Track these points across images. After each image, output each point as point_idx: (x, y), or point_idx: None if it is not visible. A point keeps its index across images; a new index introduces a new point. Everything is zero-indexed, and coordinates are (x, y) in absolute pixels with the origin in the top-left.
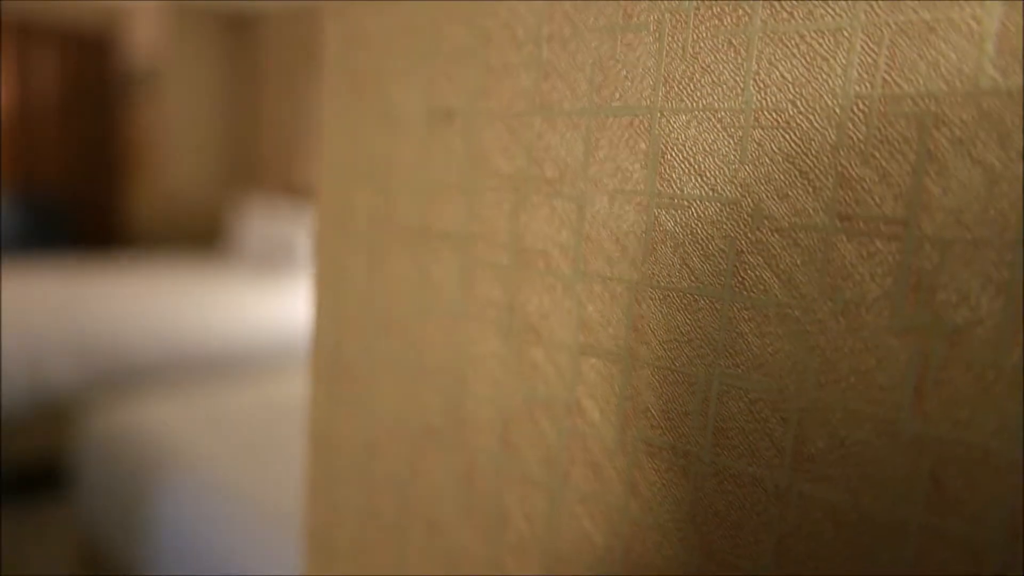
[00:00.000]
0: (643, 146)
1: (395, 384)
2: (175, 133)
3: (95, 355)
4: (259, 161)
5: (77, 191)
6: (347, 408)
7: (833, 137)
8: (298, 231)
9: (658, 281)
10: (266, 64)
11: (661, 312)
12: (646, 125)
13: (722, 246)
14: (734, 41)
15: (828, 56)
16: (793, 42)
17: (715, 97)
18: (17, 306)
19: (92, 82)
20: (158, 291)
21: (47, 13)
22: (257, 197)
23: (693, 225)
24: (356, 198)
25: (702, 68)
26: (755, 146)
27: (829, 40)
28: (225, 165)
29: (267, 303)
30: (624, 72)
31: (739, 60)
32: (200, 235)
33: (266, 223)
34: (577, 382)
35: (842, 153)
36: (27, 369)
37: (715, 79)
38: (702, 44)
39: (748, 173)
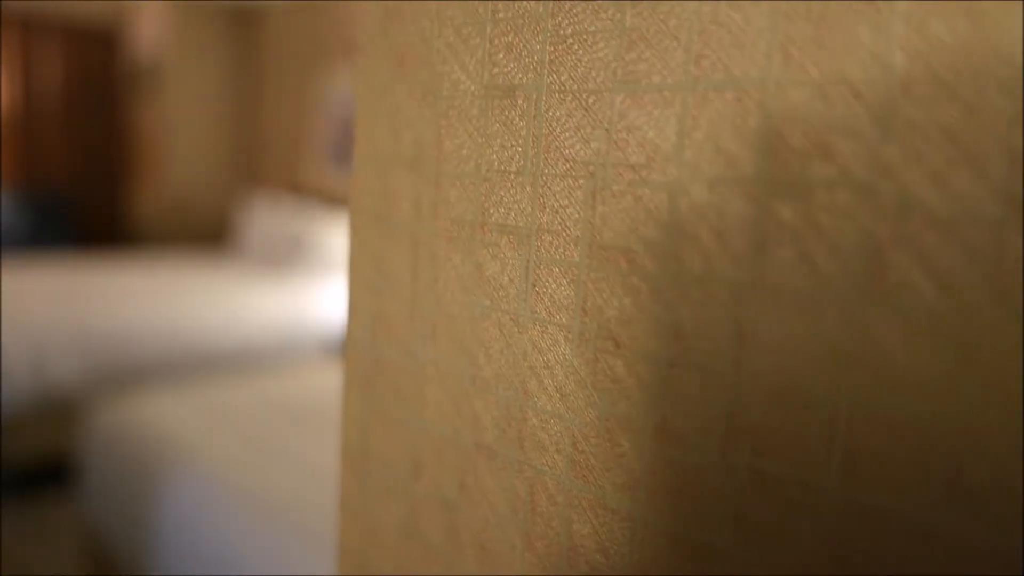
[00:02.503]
0: (753, 124)
1: (443, 394)
2: (179, 130)
3: (99, 352)
4: (264, 158)
5: (81, 188)
6: (386, 420)
7: (1009, 109)
8: (303, 228)
9: (770, 282)
10: (271, 60)
11: (773, 318)
12: (757, 100)
13: (857, 241)
14: None
15: (1001, 15)
16: None
17: (848, 64)
18: (21, 303)
19: (96, 78)
20: (162, 288)
21: (50, 8)
22: (262, 194)
23: (817, 216)
24: (398, 187)
25: (829, 29)
26: (902, 121)
27: None
28: (230, 162)
29: (272, 300)
30: (730, 38)
31: (880, 19)
32: (205, 232)
33: (271, 220)
34: (665, 397)
35: (1019, 130)
36: (31, 366)
37: (847, 43)
38: (831, 1)
39: (893, 153)
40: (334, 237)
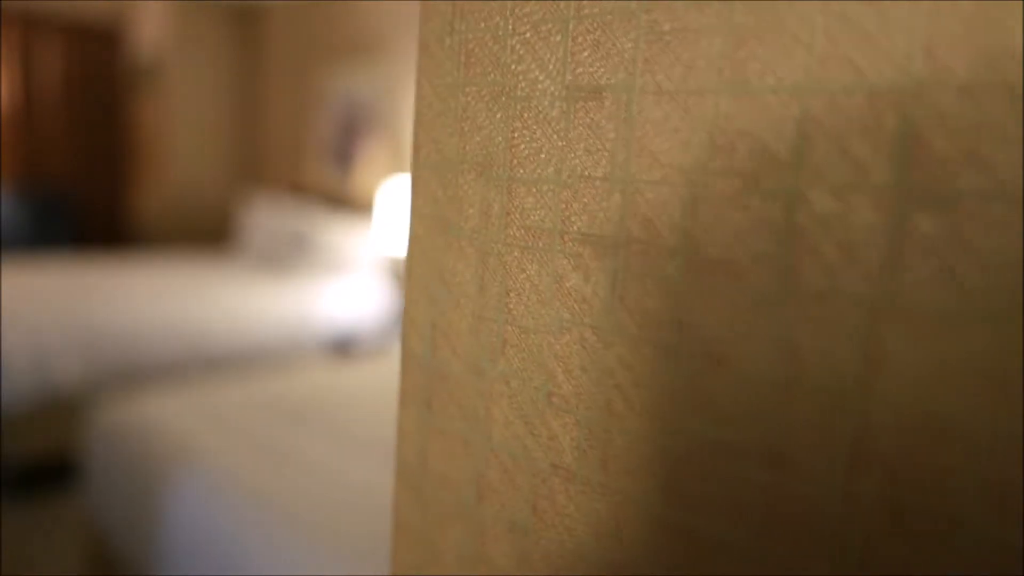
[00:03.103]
0: (888, 129)
1: (514, 412)
2: (181, 128)
3: (101, 351)
4: (266, 157)
5: (82, 187)
6: (448, 437)
7: None
8: (304, 227)
9: (906, 299)
10: (273, 59)
11: (910, 338)
12: (893, 103)
13: (1010, 256)
14: None
15: None
16: None
17: (1004, 65)
18: (22, 302)
19: (97, 77)
20: (164, 287)
21: (52, 7)
22: (263, 193)
23: (964, 228)
24: (465, 193)
25: (982, 28)
26: None
27: None
28: (231, 161)
29: (274, 299)
30: (863, 37)
31: None
32: (206, 231)
33: (272, 219)
34: (776, 422)
35: None
36: (33, 365)
37: (1004, 42)
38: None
39: None
40: (336, 236)
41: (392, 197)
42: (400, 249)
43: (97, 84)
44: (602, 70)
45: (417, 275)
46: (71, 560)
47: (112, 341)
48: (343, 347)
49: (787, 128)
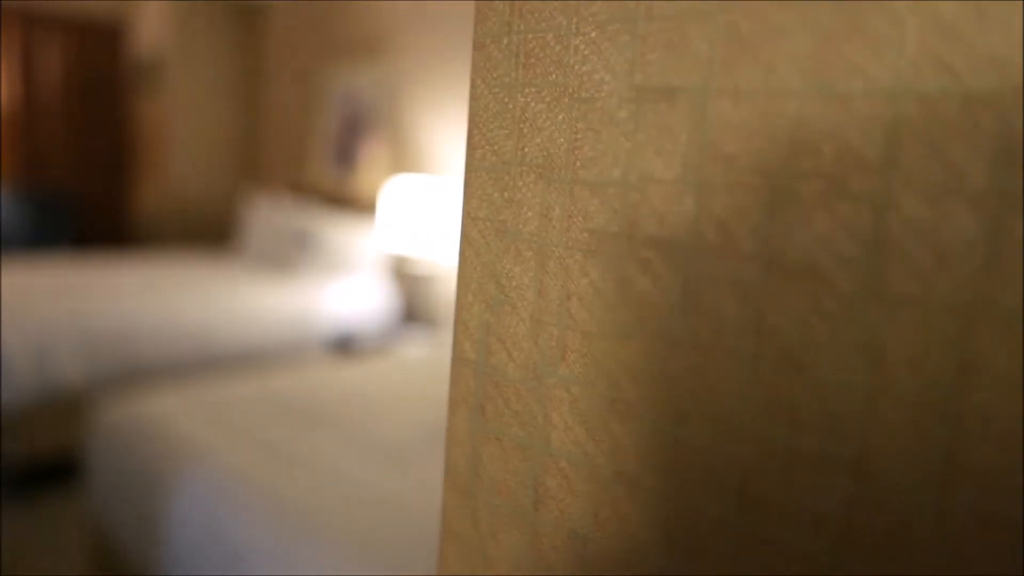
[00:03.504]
0: (987, 132)
1: (575, 418)
2: (182, 128)
3: (103, 350)
4: (267, 156)
5: (83, 186)
6: (503, 443)
7: None
8: (306, 227)
9: (1007, 306)
10: (275, 58)
11: (1011, 346)
12: (993, 106)
13: None
14: None
15: None
16: None
17: None
18: (24, 301)
19: (99, 75)
20: (166, 286)
21: (53, 5)
22: (266, 192)
23: None
24: (523, 195)
25: None
26: None
27: None
28: (234, 160)
29: (276, 298)
30: (961, 39)
31: None
32: (208, 231)
33: (275, 218)
34: (862, 430)
35: None
36: (35, 364)
37: None
38: None
39: None
40: (338, 236)
41: (394, 197)
42: (403, 248)
43: (98, 83)
44: (675, 71)
45: (470, 278)
46: (74, 560)
47: (114, 340)
48: (345, 346)
49: (877, 131)
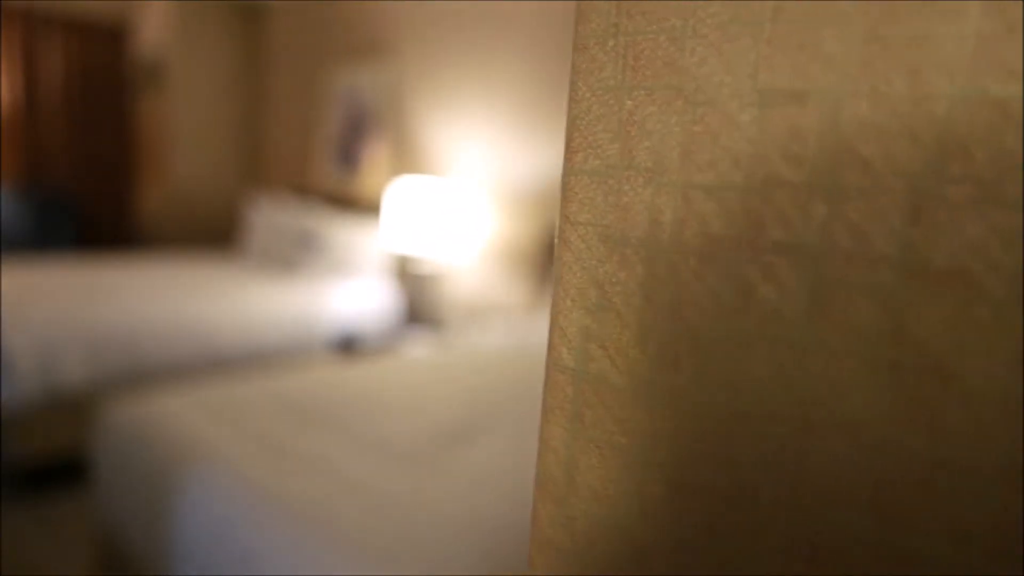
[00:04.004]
0: None
1: (686, 428)
2: (186, 128)
3: (108, 351)
4: (270, 157)
5: (85, 186)
6: (604, 453)
7: None
8: (310, 228)
9: None
10: (278, 58)
11: None
12: None
13: None
14: None
15: None
16: None
17: None
18: (28, 302)
19: (101, 75)
20: (170, 286)
21: (55, 4)
22: (269, 193)
23: None
24: (630, 199)
25: None
26: None
27: None
28: (237, 161)
29: (280, 299)
30: None
31: None
32: (211, 232)
33: (278, 219)
34: (1018, 443)
35: None
36: (39, 365)
37: None
38: None
39: None
40: (341, 237)
41: (398, 197)
42: (406, 248)
43: (101, 83)
44: (805, 73)
45: (570, 284)
46: (80, 560)
47: (118, 341)
48: (349, 346)
49: None
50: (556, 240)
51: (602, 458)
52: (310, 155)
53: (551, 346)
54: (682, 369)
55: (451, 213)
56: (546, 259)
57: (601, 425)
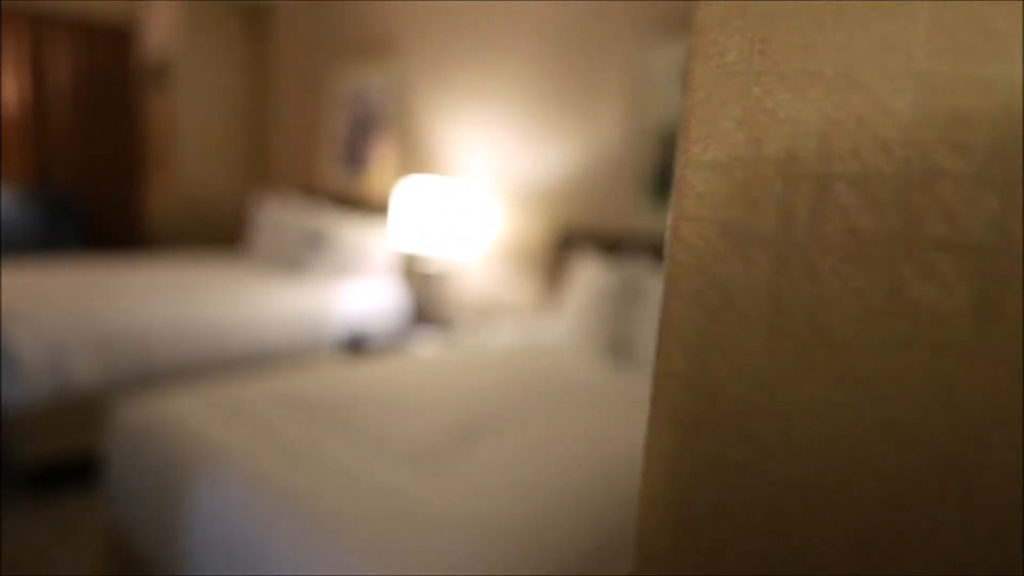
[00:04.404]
0: None
1: (820, 436)
2: (193, 128)
3: (118, 351)
4: (278, 157)
5: (92, 187)
6: (723, 464)
7: None
8: (317, 228)
9: None
10: (285, 57)
11: None
12: None
13: None
14: None
15: None
16: None
17: None
18: (37, 303)
19: (108, 76)
20: (179, 287)
21: (61, 5)
22: (276, 193)
23: None
24: (758, 192)
25: None
26: None
27: None
28: (244, 161)
29: (288, 299)
30: None
31: None
32: (217, 232)
33: (286, 219)
34: None
35: None
36: (50, 366)
37: None
38: None
39: None
40: (348, 236)
41: (405, 197)
42: (413, 248)
43: (107, 84)
44: (975, 57)
45: (683, 284)
46: (91, 559)
47: (127, 341)
48: (357, 346)
49: None
50: (667, 237)
51: (721, 470)
52: (317, 155)
53: (661, 351)
54: (819, 376)
55: (459, 212)
56: (556, 258)
57: (719, 435)
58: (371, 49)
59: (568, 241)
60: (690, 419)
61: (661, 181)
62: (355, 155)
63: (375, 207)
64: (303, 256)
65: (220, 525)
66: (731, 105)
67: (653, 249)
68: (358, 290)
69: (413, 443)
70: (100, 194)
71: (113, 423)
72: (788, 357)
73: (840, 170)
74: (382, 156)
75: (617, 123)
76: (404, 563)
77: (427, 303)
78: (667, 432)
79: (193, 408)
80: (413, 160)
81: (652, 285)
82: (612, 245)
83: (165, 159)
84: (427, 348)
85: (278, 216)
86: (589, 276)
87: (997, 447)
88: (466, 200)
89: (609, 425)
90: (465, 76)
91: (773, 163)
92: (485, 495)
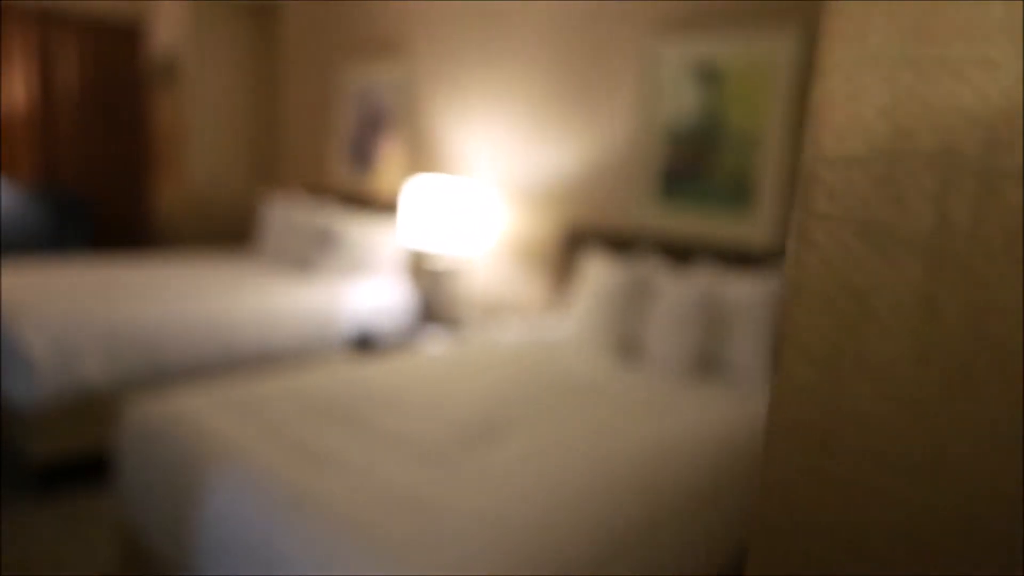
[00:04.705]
0: None
1: (984, 457)
2: (200, 126)
3: (127, 349)
4: (287, 156)
5: (101, 186)
6: (859, 489)
7: None
8: (326, 226)
9: None
10: (293, 56)
11: None
12: None
13: None
14: None
15: None
16: None
17: None
18: (47, 302)
19: (116, 75)
20: (188, 286)
21: (69, 4)
22: (285, 192)
23: None
24: (906, 189)
25: None
26: None
27: None
28: (252, 160)
29: (297, 298)
30: None
31: None
32: (226, 231)
33: (294, 218)
34: None
35: None
36: (60, 364)
37: None
38: None
39: None
40: (356, 235)
41: (414, 195)
42: (422, 246)
43: (115, 83)
44: None
45: (811, 290)
46: (103, 558)
47: (137, 339)
48: (366, 344)
49: None
50: (793, 238)
51: (852, 498)
52: (325, 154)
53: (783, 364)
54: (980, 394)
55: (467, 211)
56: (565, 256)
57: (853, 458)
58: (379, 48)
59: (577, 239)
60: (817, 439)
61: (670, 179)
62: (363, 154)
63: (383, 206)
64: (312, 254)
65: (231, 523)
66: (874, 92)
67: (662, 247)
68: (367, 289)
69: (424, 442)
70: (108, 193)
71: (124, 421)
72: (943, 373)
73: (1009, 166)
74: (390, 155)
75: (625, 121)
76: (416, 563)
77: (436, 302)
78: (789, 451)
79: (204, 406)
80: (421, 159)
81: (662, 284)
82: (621, 243)
83: (173, 158)
84: (436, 347)
85: (286, 214)
86: (598, 274)
87: None
88: (474, 198)
89: (620, 424)
90: (473, 74)
91: (925, 157)
92: (497, 495)
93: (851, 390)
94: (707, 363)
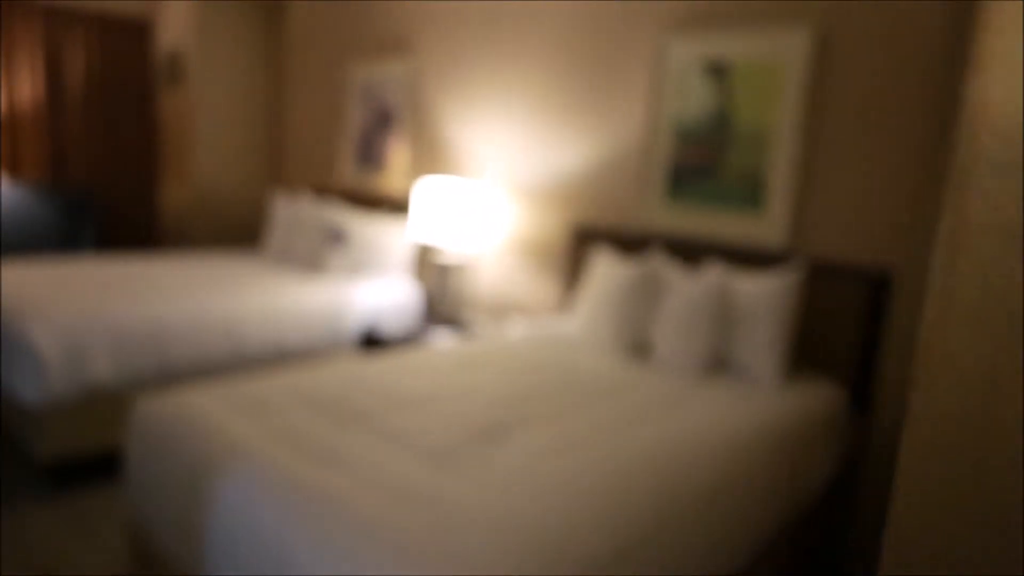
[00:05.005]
0: None
1: None
2: (208, 124)
3: (136, 347)
4: (295, 154)
5: (108, 184)
6: (1011, 523)
7: None
8: (334, 224)
9: None
10: (301, 54)
11: None
12: None
13: None
14: None
15: None
16: None
17: None
18: (55, 300)
19: (124, 71)
20: (196, 284)
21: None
22: (293, 191)
23: None
24: None
25: None
26: None
27: None
28: (260, 157)
29: (305, 296)
30: None
31: None
32: (235, 230)
33: (302, 217)
34: None
35: None
36: (68, 362)
37: None
38: None
39: None
40: (364, 234)
41: (423, 194)
42: (429, 244)
43: (123, 80)
44: None
45: (964, 301)
46: (112, 557)
47: (145, 337)
48: (374, 342)
49: None
50: (942, 246)
51: (1010, 531)
52: (333, 152)
53: (920, 380)
54: None
55: (475, 210)
56: (573, 255)
57: (1008, 490)
58: (387, 46)
59: (586, 238)
60: (965, 465)
61: (680, 178)
62: (371, 153)
63: (391, 205)
64: (319, 253)
65: (241, 522)
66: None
67: (672, 247)
68: (375, 287)
69: (434, 441)
70: (116, 190)
71: (133, 419)
72: None
73: None
74: (398, 154)
75: (635, 119)
76: (427, 563)
77: (444, 300)
78: (928, 475)
79: (213, 404)
80: (429, 158)
81: (672, 281)
82: (630, 242)
83: (181, 155)
84: (445, 345)
85: (294, 213)
86: (607, 273)
87: None
88: (483, 197)
89: (631, 422)
90: (481, 72)
91: None
92: (508, 492)
93: (1007, 413)
94: (717, 362)
